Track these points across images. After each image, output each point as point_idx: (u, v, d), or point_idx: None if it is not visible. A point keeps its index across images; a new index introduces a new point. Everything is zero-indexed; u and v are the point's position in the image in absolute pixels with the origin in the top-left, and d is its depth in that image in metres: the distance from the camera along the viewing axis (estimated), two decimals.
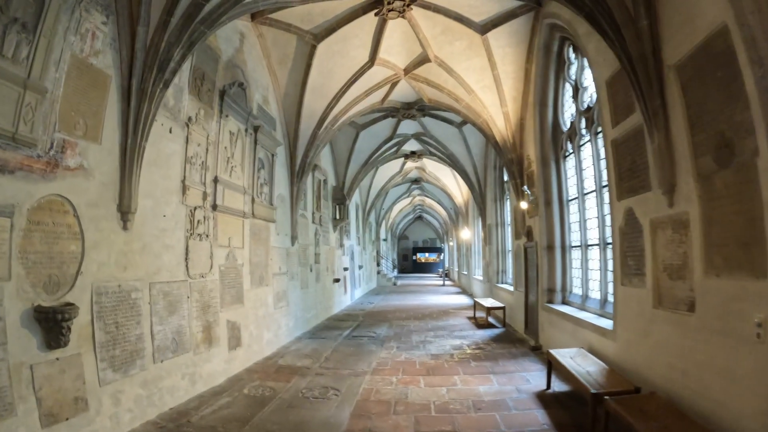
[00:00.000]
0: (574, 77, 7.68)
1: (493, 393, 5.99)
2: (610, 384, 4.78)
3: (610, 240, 6.34)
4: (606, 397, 4.29)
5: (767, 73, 3.03)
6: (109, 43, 4.58)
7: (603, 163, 6.58)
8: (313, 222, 12.89)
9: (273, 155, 9.20)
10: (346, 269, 17.49)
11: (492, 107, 9.72)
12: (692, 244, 4.03)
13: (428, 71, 9.96)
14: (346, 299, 17.42)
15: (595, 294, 7.11)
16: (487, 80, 9.30)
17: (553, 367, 6.15)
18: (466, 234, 22.00)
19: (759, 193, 3.20)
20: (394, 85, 10.84)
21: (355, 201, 19.79)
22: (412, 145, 16.47)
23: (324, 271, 13.86)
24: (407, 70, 10.08)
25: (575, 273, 8.08)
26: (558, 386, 6.15)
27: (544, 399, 5.75)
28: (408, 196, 29.47)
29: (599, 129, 6.62)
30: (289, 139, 10.26)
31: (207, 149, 6.59)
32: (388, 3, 7.69)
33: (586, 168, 7.51)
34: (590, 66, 6.20)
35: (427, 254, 51.25)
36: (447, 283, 30.34)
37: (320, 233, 13.52)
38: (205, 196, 6.48)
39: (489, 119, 9.89)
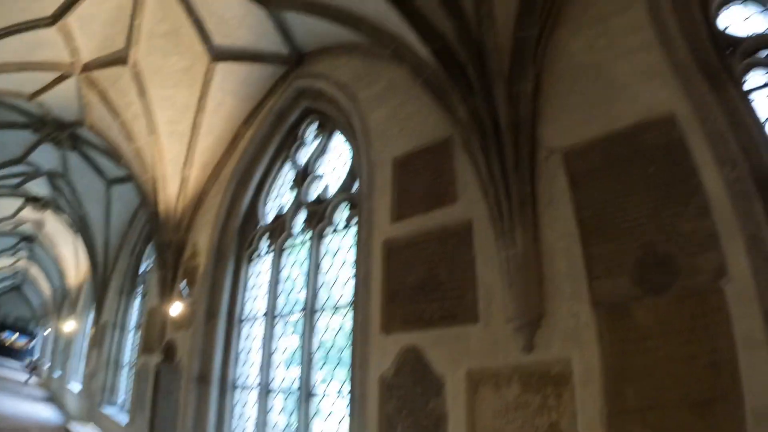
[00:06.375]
0: (303, 161, 6.12)
1: None
2: None
3: (334, 389, 4.56)
4: None
5: (742, 176, 2.46)
6: None
7: (328, 275, 5.17)
8: None
9: None
10: None
11: (171, 164, 7.13)
12: (577, 410, 2.68)
13: (114, 80, 6.89)
14: None
15: None
16: (184, 125, 6.81)
17: None
18: (70, 325, 17.19)
19: (727, 328, 2.33)
20: (60, 80, 7.22)
21: None
22: (41, 187, 12.25)
23: None
24: (88, 67, 6.83)
25: (246, 425, 5.60)
26: None
27: None
28: (12, 255, 22.38)
29: (336, 228, 5.25)
30: None
31: None
32: None
33: (293, 278, 5.68)
34: (367, 142, 4.75)
35: (16, 335, 40.05)
36: (32, 381, 23.72)
37: None
38: None
39: (159, 179, 7.18)
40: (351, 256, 4.70)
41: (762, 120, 2.60)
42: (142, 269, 11.06)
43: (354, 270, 4.40)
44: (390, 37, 4.30)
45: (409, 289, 3.68)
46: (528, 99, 3.31)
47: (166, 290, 7.06)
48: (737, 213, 2.40)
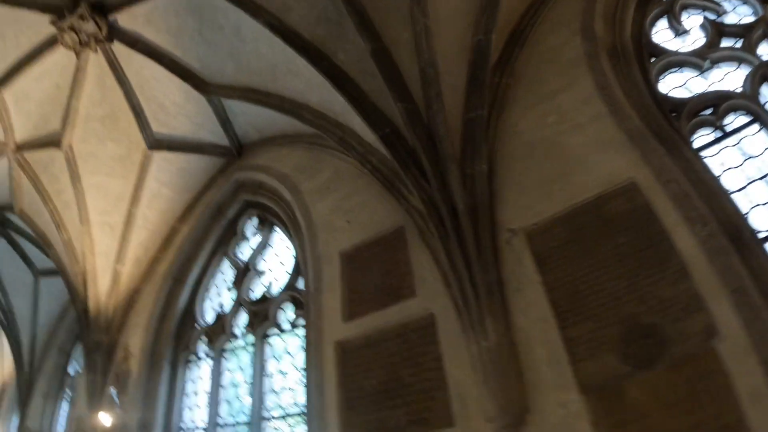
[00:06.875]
0: (246, 258, 5.84)
1: None
2: None
3: None
4: None
5: (713, 232, 2.44)
6: None
7: (275, 380, 4.80)
8: None
9: None
10: None
11: (102, 258, 6.55)
12: None
13: (47, 163, 6.39)
14: None
15: None
16: (117, 217, 6.42)
17: None
18: None
19: (729, 388, 2.20)
20: None
21: None
22: None
23: None
24: (21, 147, 6.33)
25: None
26: None
27: None
28: None
29: (282, 329, 4.97)
30: None
31: None
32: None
33: (237, 384, 5.25)
34: (311, 236, 4.57)
35: None
36: None
37: None
38: None
39: (90, 274, 6.54)
40: (300, 359, 4.39)
41: (717, 175, 2.64)
42: (71, 371, 10.12)
43: (305, 375, 4.06)
44: (335, 124, 4.25)
45: (370, 394, 3.40)
46: (484, 181, 3.27)
47: (96, 397, 6.29)
48: (716, 269, 2.37)
